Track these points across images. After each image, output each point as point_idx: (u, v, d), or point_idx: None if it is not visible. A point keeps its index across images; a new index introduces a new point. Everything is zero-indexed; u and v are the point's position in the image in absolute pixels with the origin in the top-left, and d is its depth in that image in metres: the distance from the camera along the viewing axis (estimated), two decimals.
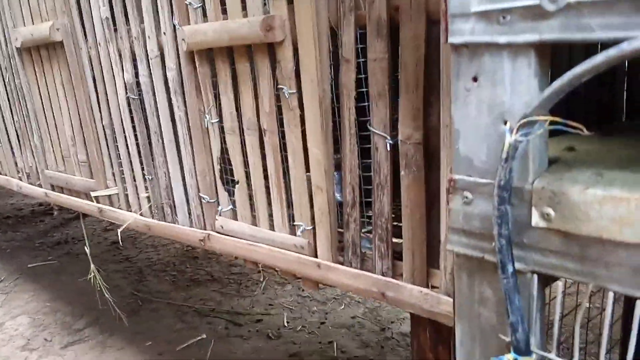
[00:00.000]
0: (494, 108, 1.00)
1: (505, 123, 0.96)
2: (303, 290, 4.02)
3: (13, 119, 3.14)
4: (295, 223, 1.79)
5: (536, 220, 0.96)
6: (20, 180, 3.29)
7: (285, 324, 3.53)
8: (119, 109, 2.33)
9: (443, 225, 1.42)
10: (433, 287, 1.50)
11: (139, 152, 2.33)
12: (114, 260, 4.64)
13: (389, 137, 1.47)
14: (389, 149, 1.48)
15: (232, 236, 2.01)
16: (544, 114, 0.91)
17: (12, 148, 3.28)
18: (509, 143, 0.92)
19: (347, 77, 1.53)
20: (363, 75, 1.51)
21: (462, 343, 1.19)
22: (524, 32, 0.91)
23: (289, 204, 1.80)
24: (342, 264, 1.70)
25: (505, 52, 0.95)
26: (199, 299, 3.97)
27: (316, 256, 1.75)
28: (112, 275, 4.35)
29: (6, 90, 3.09)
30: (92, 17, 2.30)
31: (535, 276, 1.02)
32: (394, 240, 1.57)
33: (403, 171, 1.46)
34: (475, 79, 1.01)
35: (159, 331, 3.55)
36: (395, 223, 1.58)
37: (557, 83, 0.85)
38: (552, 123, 0.92)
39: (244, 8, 1.70)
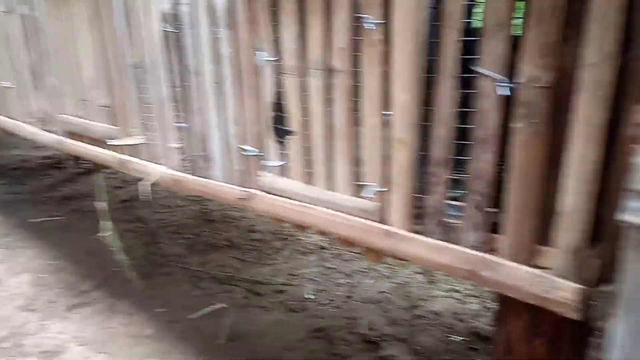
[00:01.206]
0: None
1: None
2: (327, 260, 3.76)
3: (28, 56, 2.83)
4: (363, 183, 1.50)
5: None
6: (32, 125, 2.99)
7: (307, 296, 3.27)
8: (152, 44, 2.03)
9: (567, 193, 1.13)
10: (541, 267, 1.22)
11: (172, 97, 2.03)
12: (125, 220, 4.36)
13: (504, 80, 1.18)
14: (501, 94, 1.19)
15: (279, 195, 1.72)
16: None
17: (26, 89, 2.97)
18: None
19: (454, 2, 1.23)
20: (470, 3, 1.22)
21: (623, 344, 0.91)
22: None
23: (357, 161, 1.51)
24: (419, 233, 1.42)
25: None
26: (216, 265, 3.70)
27: (386, 223, 1.47)
28: (123, 236, 4.07)
29: (23, 23, 2.78)
30: None
31: None
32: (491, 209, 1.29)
33: (521, 123, 1.17)
34: None
35: (172, 297, 3.28)
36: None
37: None
38: None
39: None
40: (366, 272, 3.62)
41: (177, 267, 3.69)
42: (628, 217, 0.81)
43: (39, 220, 4.47)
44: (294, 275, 3.60)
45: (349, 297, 3.33)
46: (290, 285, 3.48)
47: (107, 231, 2.80)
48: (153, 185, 2.20)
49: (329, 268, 3.68)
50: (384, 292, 3.41)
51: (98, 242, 3.47)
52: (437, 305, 3.23)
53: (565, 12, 1.07)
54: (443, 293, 3.27)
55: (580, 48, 1.05)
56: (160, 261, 3.77)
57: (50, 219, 4.48)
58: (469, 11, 1.24)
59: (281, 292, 3.39)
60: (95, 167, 4.19)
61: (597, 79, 1.03)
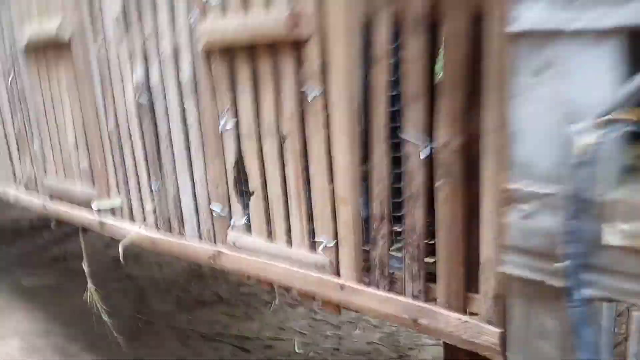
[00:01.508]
0: (561, 106, 0.91)
1: (575, 123, 0.87)
2: (316, 312, 3.91)
3: (13, 123, 3.08)
4: (316, 239, 1.69)
5: (610, 237, 0.86)
6: (16, 190, 3.21)
7: (297, 350, 3.42)
8: (127, 112, 2.26)
9: (484, 244, 1.32)
10: (472, 313, 1.39)
11: (146, 160, 2.25)
12: (114, 279, 4.55)
13: (424, 144, 1.38)
14: (423, 157, 1.39)
15: (245, 253, 1.91)
16: (624, 112, 0.82)
17: (10, 155, 3.21)
18: (582, 146, 0.83)
19: (379, 78, 1.45)
20: (393, 78, 1.43)
21: None
22: (599, 19, 0.82)
23: (310, 218, 1.71)
24: (368, 285, 1.60)
25: (577, 40, 0.86)
26: (204, 322, 3.86)
27: (339, 276, 1.65)
28: (112, 295, 4.24)
29: (7, 92, 3.03)
30: (102, 14, 2.24)
31: (608, 305, 0.92)
32: (426, 260, 1.47)
33: (440, 182, 1.36)
34: (538, 73, 0.92)
35: (159, 357, 3.44)
36: (426, 241, 1.48)
37: (631, 85, 0.76)
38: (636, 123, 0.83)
39: (267, 3, 1.62)
40: (354, 322, 3.77)
41: (165, 325, 3.86)
42: (505, 269, 1.00)
43: (28, 282, 4.66)
44: (283, 328, 3.75)
45: (337, 349, 3.47)
46: (279, 339, 3.63)
47: (93, 293, 2.98)
48: (131, 246, 2.40)
49: (318, 320, 3.83)
50: (373, 342, 3.56)
51: (87, 304, 3.64)
52: (426, 354, 3.37)
53: (469, 83, 1.28)
54: (431, 341, 3.40)
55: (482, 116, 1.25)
56: (148, 320, 3.93)
57: (40, 281, 4.67)
58: (396, 82, 1.45)
59: (270, 347, 3.54)
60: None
61: (497, 144, 1.23)
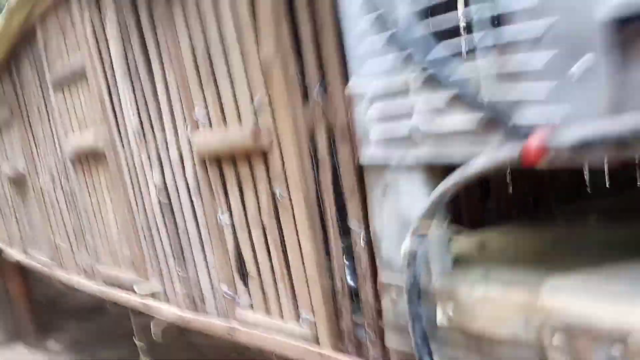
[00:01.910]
0: (400, 217, 1.21)
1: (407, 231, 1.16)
2: None
3: (71, 219, 3.59)
4: (299, 313, 2.00)
5: (440, 319, 1.15)
6: (79, 275, 3.70)
7: None
8: (152, 209, 2.68)
9: None
10: None
11: (171, 248, 2.64)
12: (180, 348, 4.95)
13: (362, 232, 1.68)
14: (364, 241, 1.69)
15: (251, 327, 2.24)
16: (435, 223, 1.11)
17: (71, 246, 3.72)
18: (404, 251, 1.13)
19: (325, 177, 1.78)
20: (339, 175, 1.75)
21: None
22: (406, 156, 1.13)
23: (294, 295, 2.03)
24: (341, 351, 1.89)
25: (400, 170, 1.17)
26: None
27: (319, 345, 1.95)
28: None
29: (63, 193, 3.55)
30: (125, 127, 2.69)
31: None
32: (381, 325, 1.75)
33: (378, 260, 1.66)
34: (383, 193, 1.23)
35: None
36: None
37: (429, 201, 1.06)
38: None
39: (240, 118, 2.00)
40: None
41: None
42: (387, 344, 1.30)
43: (105, 356, 5.13)
44: None
45: None
46: None
47: None
48: (167, 324, 2.79)
49: None
50: None
51: None
52: None
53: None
54: None
55: None
56: None
57: (116, 354, 5.14)
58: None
59: None
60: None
61: None
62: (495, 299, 1.01)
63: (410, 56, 1.01)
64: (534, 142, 0.85)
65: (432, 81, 1.00)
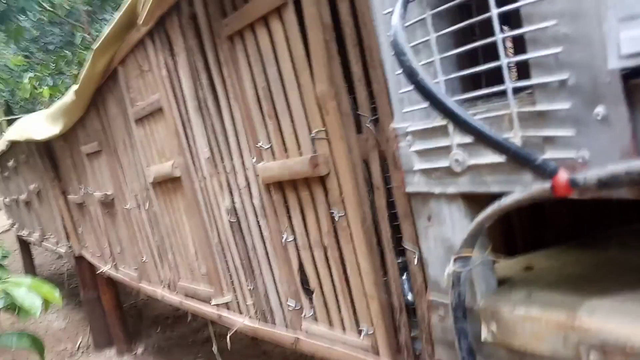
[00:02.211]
0: (444, 242, 1.23)
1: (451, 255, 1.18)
2: None
3: (154, 238, 3.74)
4: (359, 327, 2.03)
5: (484, 335, 1.16)
6: (163, 289, 3.84)
7: None
8: (224, 229, 2.77)
9: None
10: None
11: (242, 265, 2.72)
12: (252, 355, 5.06)
13: (416, 252, 1.70)
14: (418, 261, 1.71)
15: (314, 339, 2.28)
16: (477, 248, 1.12)
17: (155, 263, 3.87)
18: (447, 274, 1.14)
19: (380, 201, 1.81)
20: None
21: None
22: (449, 185, 1.15)
23: (354, 310, 2.05)
24: None
25: (442, 199, 1.19)
26: None
27: (378, 355, 1.97)
28: None
29: (147, 215, 3.71)
30: (199, 156, 2.80)
31: None
32: None
33: None
34: (429, 219, 1.25)
35: None
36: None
37: (469, 228, 1.08)
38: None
39: (300, 147, 2.05)
40: None
41: None
42: (439, 358, 1.31)
43: None
44: None
45: None
46: None
47: None
48: (237, 334, 2.87)
49: None
50: None
51: None
52: None
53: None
54: None
55: None
56: None
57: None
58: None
59: None
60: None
61: None
62: (536, 318, 1.02)
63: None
64: (562, 176, 0.86)
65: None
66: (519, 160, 0.87)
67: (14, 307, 2.89)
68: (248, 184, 2.46)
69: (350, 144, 1.84)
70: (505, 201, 0.97)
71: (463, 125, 0.88)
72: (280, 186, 2.25)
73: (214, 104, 2.55)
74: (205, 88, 2.58)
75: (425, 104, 1.12)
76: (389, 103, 1.54)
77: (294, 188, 2.17)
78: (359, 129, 1.84)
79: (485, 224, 1.04)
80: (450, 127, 1.08)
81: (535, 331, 1.04)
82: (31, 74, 9.25)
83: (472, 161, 1.06)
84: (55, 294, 2.82)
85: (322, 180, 2.00)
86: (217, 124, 2.57)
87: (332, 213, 1.99)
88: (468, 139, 1.06)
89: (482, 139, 0.88)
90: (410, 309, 1.87)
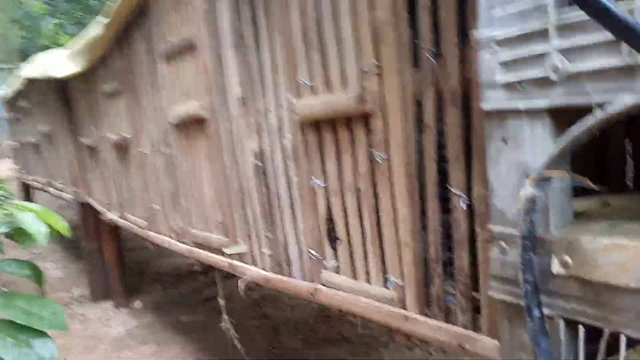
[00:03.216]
0: (519, 166, 1.13)
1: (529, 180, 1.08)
2: (431, 354, 4.05)
3: (167, 184, 3.65)
4: (388, 277, 1.94)
5: (556, 267, 1.07)
6: (171, 238, 3.76)
7: None
8: (247, 174, 2.67)
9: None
10: None
11: (262, 213, 2.63)
12: (254, 317, 5.00)
13: (464, 197, 1.61)
14: (464, 207, 1.61)
15: (335, 289, 2.20)
16: (553, 172, 1.03)
17: (165, 210, 3.78)
18: (525, 197, 1.05)
19: (429, 142, 1.71)
20: (444, 141, 1.68)
21: None
22: (537, 99, 1.05)
23: (383, 260, 1.96)
24: (428, 317, 1.81)
25: (524, 116, 1.09)
26: (328, 358, 4.14)
27: (405, 308, 1.88)
28: (250, 331, 4.69)
29: (163, 160, 3.62)
30: (228, 97, 2.70)
31: (562, 321, 1.10)
32: (473, 294, 1.66)
33: (477, 228, 1.57)
34: (504, 141, 1.15)
35: None
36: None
37: (560, 143, 0.98)
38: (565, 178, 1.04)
39: (344, 83, 1.95)
40: None
41: None
42: (491, 294, 1.23)
43: (186, 319, 5.24)
44: None
45: None
46: None
47: (229, 326, 3.40)
48: (251, 283, 2.79)
49: None
50: None
51: (230, 338, 4.08)
52: None
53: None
54: None
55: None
56: (280, 354, 4.29)
57: (195, 319, 5.23)
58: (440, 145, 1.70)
59: None
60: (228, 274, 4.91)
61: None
62: (624, 247, 0.92)
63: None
64: None
65: (575, 22, 0.92)
66: None
67: (18, 234, 2.81)
68: (280, 125, 2.36)
69: (404, 79, 1.74)
70: (613, 107, 0.87)
71: (587, 4, 0.78)
72: (316, 126, 2.15)
73: (253, 38, 2.44)
74: (245, 21, 2.47)
75: (522, 5, 1.02)
76: (460, 28, 1.44)
77: (332, 128, 2.07)
78: (414, 63, 1.74)
79: (582, 139, 0.94)
80: (552, 30, 0.98)
81: (620, 261, 0.94)
82: (55, 21, 9.15)
83: (573, 68, 0.96)
84: (63, 224, 2.74)
85: (366, 119, 1.90)
86: (254, 60, 2.47)
87: (373, 155, 1.89)
88: (570, 43, 0.96)
89: (610, 20, 0.78)
90: (447, 262, 1.78)
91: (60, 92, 5.65)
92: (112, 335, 5.05)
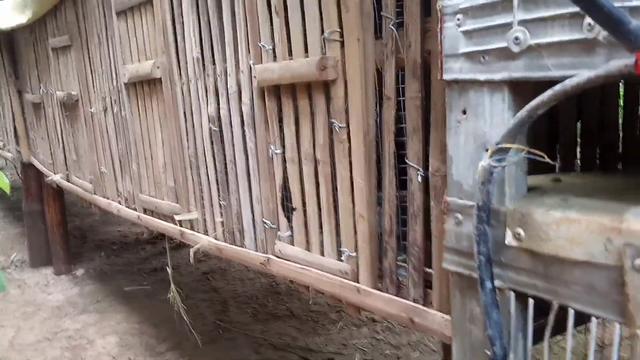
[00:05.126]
0: (478, 138, 1.17)
1: (487, 151, 1.12)
2: (378, 333, 4.14)
3: (118, 147, 3.59)
4: (342, 249, 1.98)
5: (509, 239, 1.11)
6: (119, 203, 3.71)
7: None
8: (202, 139, 2.66)
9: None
10: None
11: (216, 180, 2.63)
12: (202, 290, 5.00)
13: (421, 170, 1.64)
14: (421, 180, 1.65)
15: (287, 260, 2.22)
16: (516, 143, 1.06)
17: (114, 174, 3.73)
18: (482, 167, 1.08)
19: (388, 113, 1.73)
20: (403, 112, 1.70)
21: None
22: (498, 71, 1.09)
23: (338, 231, 2.00)
24: (380, 290, 1.86)
25: (485, 88, 1.13)
26: (275, 333, 4.19)
27: (358, 281, 1.92)
28: (198, 304, 4.70)
29: (114, 121, 3.56)
30: (185, 56, 2.67)
31: (513, 293, 1.15)
32: (425, 269, 1.71)
33: (432, 202, 1.61)
34: (464, 112, 1.19)
35: None
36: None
37: (518, 115, 1.02)
38: (521, 151, 1.08)
39: (307, 50, 1.96)
40: (415, 345, 3.96)
41: (241, 333, 4.22)
42: (445, 266, 1.27)
43: (129, 288, 5.20)
44: (345, 345, 4.02)
45: None
46: (341, 354, 3.89)
47: (176, 296, 3.40)
48: (201, 251, 2.79)
49: (379, 340, 4.06)
50: None
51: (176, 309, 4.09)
52: None
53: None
54: None
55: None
56: (227, 327, 4.32)
57: (139, 287, 5.21)
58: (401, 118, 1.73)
59: None
60: (180, 243, 4.88)
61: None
62: (575, 220, 0.97)
63: None
64: None
65: None
66: (610, 21, 0.80)
67: None
68: (239, 89, 2.36)
69: (366, 48, 1.76)
70: (572, 80, 0.90)
71: None
72: (276, 92, 2.15)
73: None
74: None
75: None
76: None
77: (291, 94, 2.08)
78: (377, 33, 1.76)
79: (539, 111, 0.98)
80: (515, 1, 1.01)
81: (571, 235, 0.99)
82: None
83: (534, 40, 1.00)
84: (5, 181, 2.68)
85: (327, 86, 1.91)
86: (214, 20, 2.44)
87: (332, 124, 1.91)
88: (533, 15, 0.99)
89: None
90: (400, 236, 1.82)
91: (6, 43, 5.47)
92: (52, 303, 4.99)
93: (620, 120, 2.10)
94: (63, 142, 4.62)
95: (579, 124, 1.98)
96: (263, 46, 2.15)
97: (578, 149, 1.95)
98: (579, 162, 1.93)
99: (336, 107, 1.88)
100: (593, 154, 1.96)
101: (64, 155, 4.67)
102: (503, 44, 1.05)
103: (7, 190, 2.64)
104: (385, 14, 1.69)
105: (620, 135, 2.07)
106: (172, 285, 3.27)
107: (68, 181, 4.68)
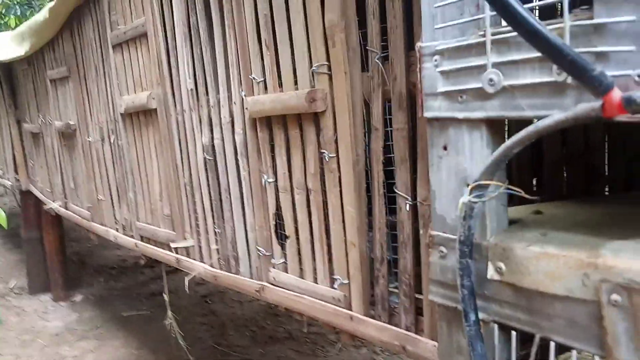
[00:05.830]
0: (459, 173, 1.19)
1: (467, 186, 1.15)
2: (377, 354, 4.13)
3: (115, 175, 3.62)
4: (333, 276, 1.99)
5: (491, 273, 1.13)
6: (117, 231, 3.73)
7: None
8: (197, 168, 2.69)
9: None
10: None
11: (211, 208, 2.65)
12: (200, 313, 5.00)
13: (409, 199, 1.67)
14: (409, 209, 1.67)
15: (282, 287, 2.24)
16: (495, 180, 1.09)
17: (112, 202, 3.75)
18: (462, 203, 1.11)
19: (376, 143, 1.76)
20: (391, 143, 1.73)
21: None
22: (475, 110, 1.12)
23: (330, 259, 2.01)
24: (372, 317, 1.87)
25: (464, 125, 1.15)
26: (274, 356, 4.18)
27: (350, 309, 1.94)
28: (197, 327, 4.69)
29: (111, 149, 3.59)
30: (180, 88, 2.71)
31: (496, 326, 1.17)
32: (417, 296, 1.73)
33: (422, 230, 1.64)
34: (445, 148, 1.21)
35: None
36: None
37: (494, 154, 1.04)
38: (499, 187, 1.10)
39: (296, 82, 1.99)
40: None
41: (239, 357, 4.21)
42: (431, 298, 1.28)
43: (127, 314, 5.19)
44: None
45: None
46: None
47: (173, 322, 3.41)
48: (197, 279, 2.80)
49: None
50: None
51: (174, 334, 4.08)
52: None
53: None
54: None
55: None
56: (225, 351, 4.31)
57: (138, 313, 5.20)
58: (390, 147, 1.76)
59: None
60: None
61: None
62: (553, 256, 0.99)
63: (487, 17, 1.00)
64: (617, 93, 0.83)
65: (510, 38, 0.99)
66: (575, 68, 0.83)
67: None
68: (232, 120, 2.39)
69: (353, 81, 1.79)
70: (544, 122, 0.93)
71: (519, 23, 0.84)
72: (267, 123, 2.18)
73: (207, 32, 2.46)
74: (199, 14, 2.48)
75: (466, 14, 1.08)
76: (408, 34, 1.50)
77: (282, 125, 2.11)
78: (364, 66, 1.79)
79: (514, 150, 1.01)
80: (488, 45, 1.04)
81: (550, 270, 1.01)
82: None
83: (508, 82, 1.03)
84: (1, 214, 2.70)
85: (316, 118, 1.94)
86: (207, 53, 2.48)
87: (322, 154, 1.94)
88: (505, 58, 1.02)
89: (538, 39, 0.84)
90: (391, 263, 1.84)
91: (4, 75, 5.52)
92: (50, 330, 4.97)
93: (605, 143, 2.13)
94: (61, 171, 4.64)
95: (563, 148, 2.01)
96: (254, 78, 2.19)
97: (564, 173, 1.98)
98: (564, 186, 1.96)
99: (326, 137, 1.91)
100: (578, 177, 1.99)
101: (62, 184, 4.69)
102: (479, 85, 1.08)
103: (5, 224, 2.66)
104: (370, 48, 1.73)
105: (606, 157, 2.10)
106: (169, 312, 3.27)
107: (66, 209, 4.69)
